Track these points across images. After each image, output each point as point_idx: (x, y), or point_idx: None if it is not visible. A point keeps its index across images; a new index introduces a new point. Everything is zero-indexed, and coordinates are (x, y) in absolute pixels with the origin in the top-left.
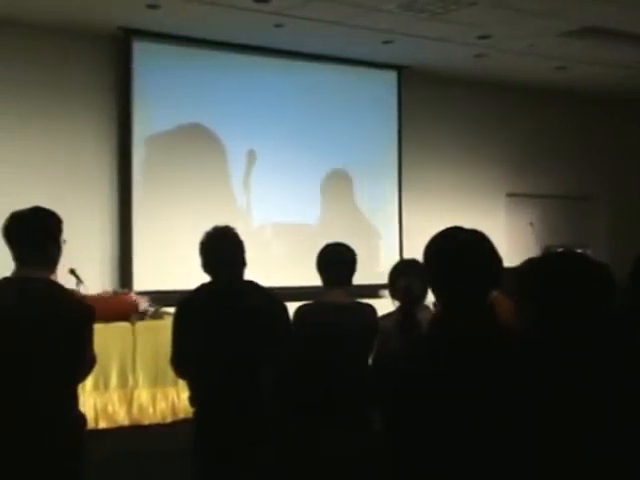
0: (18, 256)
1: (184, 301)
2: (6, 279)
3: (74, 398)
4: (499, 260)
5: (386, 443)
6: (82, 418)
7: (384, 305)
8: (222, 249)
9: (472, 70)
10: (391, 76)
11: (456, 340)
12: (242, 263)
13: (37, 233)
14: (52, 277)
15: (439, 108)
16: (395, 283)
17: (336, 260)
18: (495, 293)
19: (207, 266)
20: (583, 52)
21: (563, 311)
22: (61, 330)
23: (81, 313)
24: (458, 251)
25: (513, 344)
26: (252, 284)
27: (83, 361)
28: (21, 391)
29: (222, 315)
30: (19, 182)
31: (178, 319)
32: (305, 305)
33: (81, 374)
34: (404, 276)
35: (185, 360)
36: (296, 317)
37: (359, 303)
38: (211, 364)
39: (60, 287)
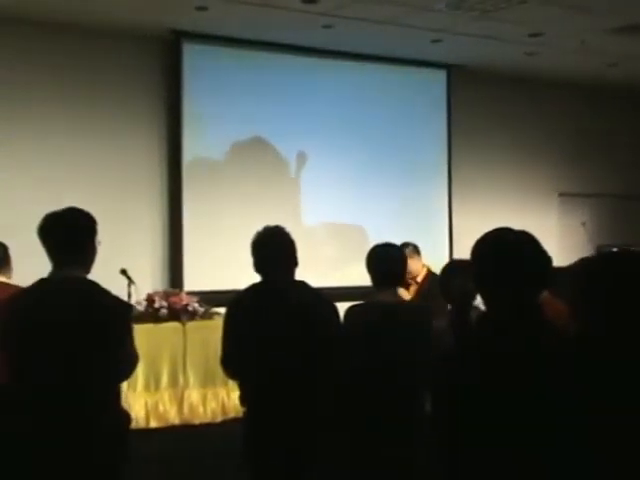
0: (55, 256)
1: (234, 301)
2: (44, 280)
3: (117, 396)
4: (548, 261)
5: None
6: (126, 416)
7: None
8: (272, 249)
9: (522, 68)
10: (440, 75)
11: (506, 341)
12: (293, 263)
13: (74, 233)
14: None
15: (489, 107)
16: (447, 283)
17: (386, 260)
18: (545, 294)
19: (257, 265)
20: (635, 48)
21: (620, 312)
22: (101, 329)
23: (119, 311)
24: (506, 252)
25: (564, 345)
26: (302, 284)
27: (124, 359)
28: (65, 391)
29: (271, 315)
30: (70, 184)
31: (228, 319)
32: (356, 305)
33: (123, 372)
34: (457, 276)
35: (235, 360)
36: (346, 317)
37: (411, 303)
38: (261, 363)
39: (97, 286)
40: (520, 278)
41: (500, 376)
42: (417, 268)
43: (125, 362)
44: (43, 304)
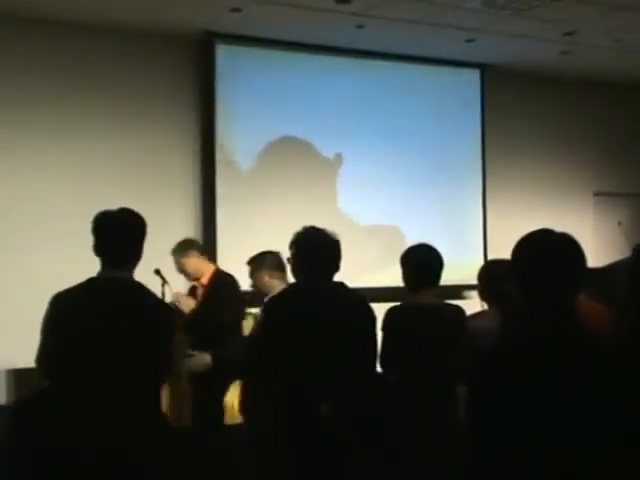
0: (106, 256)
1: (272, 301)
2: (93, 279)
3: (159, 399)
4: (585, 263)
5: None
6: (164, 420)
7: (469, 306)
8: (323, 250)
9: (557, 67)
10: (474, 75)
11: (547, 341)
12: (336, 266)
13: (129, 234)
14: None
15: (523, 106)
16: (488, 285)
17: (423, 262)
18: (580, 295)
19: (301, 266)
20: None
21: None
22: (148, 331)
23: (165, 314)
24: (549, 253)
25: (601, 345)
26: (341, 285)
27: (167, 360)
28: (109, 393)
29: (311, 316)
30: (103, 183)
31: (268, 319)
32: (394, 307)
33: (165, 375)
34: (502, 279)
35: (268, 359)
36: (385, 319)
37: (447, 305)
38: (294, 363)
39: (145, 288)
40: (561, 279)
41: (537, 377)
42: (198, 268)
43: (168, 363)
44: (92, 304)
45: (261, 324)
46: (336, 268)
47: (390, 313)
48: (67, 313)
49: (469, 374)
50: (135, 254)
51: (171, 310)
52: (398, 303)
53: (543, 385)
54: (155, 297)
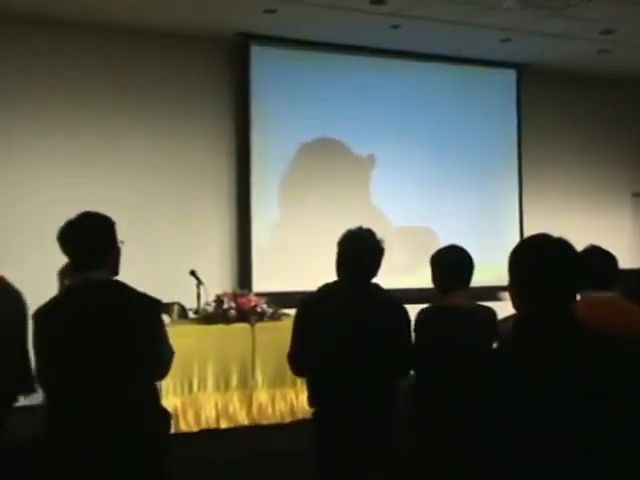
0: (75, 262)
1: (310, 298)
2: (68, 286)
3: (155, 396)
4: (581, 265)
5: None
6: (166, 415)
7: (503, 308)
8: (367, 250)
9: (594, 66)
10: (510, 75)
11: (554, 342)
12: (374, 270)
13: (90, 237)
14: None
15: (560, 106)
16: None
17: (454, 264)
18: (614, 294)
19: (338, 264)
20: None
21: None
22: (133, 328)
23: (147, 308)
24: (547, 256)
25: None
26: (376, 286)
27: (158, 357)
28: (101, 393)
29: (348, 315)
30: (138, 185)
31: (303, 316)
32: (425, 309)
33: (159, 371)
34: None
35: (305, 358)
36: (418, 320)
37: (479, 306)
38: (333, 363)
39: (123, 285)
40: (560, 281)
41: (547, 378)
42: None
43: (159, 360)
44: (68, 309)
45: (295, 322)
46: (375, 273)
47: (421, 314)
48: (46, 322)
49: (481, 368)
50: (104, 255)
51: (155, 304)
52: (429, 305)
53: (553, 385)
54: (135, 293)
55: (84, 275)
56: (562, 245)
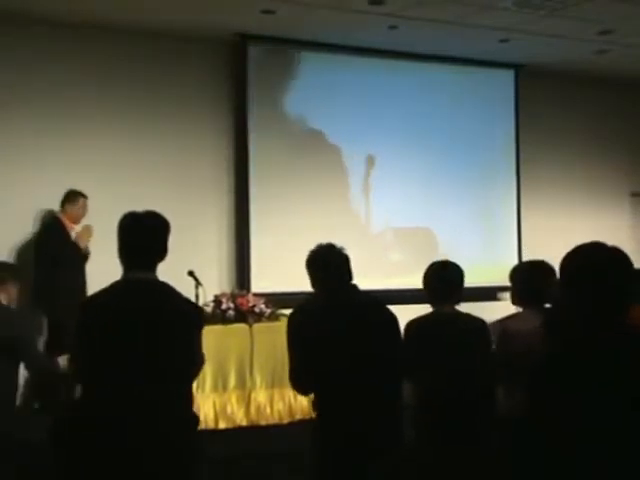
0: (130, 258)
1: (293, 317)
2: (122, 281)
3: (190, 398)
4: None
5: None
6: (195, 418)
7: (503, 308)
8: (334, 265)
9: (592, 67)
10: (508, 75)
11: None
12: (346, 276)
13: (153, 237)
14: None
15: (558, 106)
16: (523, 287)
17: (446, 281)
18: None
19: (320, 281)
20: None
21: None
22: (176, 330)
23: (194, 313)
24: (602, 267)
25: None
26: (354, 290)
27: (196, 360)
28: (140, 391)
29: (342, 327)
30: (136, 185)
31: (295, 335)
32: (413, 320)
33: (194, 373)
34: (537, 280)
35: (307, 379)
36: (406, 332)
37: (467, 314)
38: (334, 375)
39: (171, 288)
40: (614, 293)
41: (596, 387)
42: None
43: (193, 363)
44: (119, 306)
45: (288, 341)
46: (349, 278)
47: (410, 326)
48: (100, 315)
49: (529, 379)
50: (158, 256)
51: (198, 311)
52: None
53: (602, 394)
54: (181, 298)
55: (135, 273)
56: (615, 257)
